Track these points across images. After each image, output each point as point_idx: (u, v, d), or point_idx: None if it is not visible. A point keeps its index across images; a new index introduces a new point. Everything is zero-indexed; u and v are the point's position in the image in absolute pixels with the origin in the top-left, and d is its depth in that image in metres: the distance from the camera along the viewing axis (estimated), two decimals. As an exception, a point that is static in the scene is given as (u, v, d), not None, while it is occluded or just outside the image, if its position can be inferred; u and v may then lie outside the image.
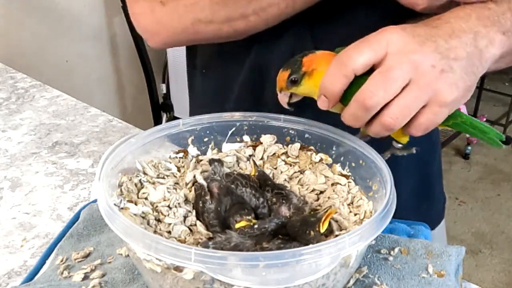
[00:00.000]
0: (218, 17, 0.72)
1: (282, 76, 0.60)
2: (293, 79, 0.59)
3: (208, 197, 0.61)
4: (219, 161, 0.68)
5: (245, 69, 0.82)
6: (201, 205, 0.61)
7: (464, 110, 2.82)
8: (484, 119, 3.03)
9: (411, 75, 0.52)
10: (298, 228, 0.55)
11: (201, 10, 0.72)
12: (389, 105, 0.53)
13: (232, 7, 0.71)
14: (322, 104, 0.57)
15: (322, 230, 0.54)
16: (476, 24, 0.56)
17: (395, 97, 0.53)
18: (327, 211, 0.56)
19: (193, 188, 0.65)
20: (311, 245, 0.48)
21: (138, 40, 2.30)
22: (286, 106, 0.63)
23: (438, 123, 0.55)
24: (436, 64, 0.53)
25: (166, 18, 0.75)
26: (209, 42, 0.79)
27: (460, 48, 0.54)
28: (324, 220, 0.55)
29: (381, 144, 0.64)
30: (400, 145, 0.62)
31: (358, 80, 0.54)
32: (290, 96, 0.62)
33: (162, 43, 0.79)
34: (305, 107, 0.78)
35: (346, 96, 0.55)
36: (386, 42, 0.53)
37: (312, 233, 0.54)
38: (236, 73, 0.84)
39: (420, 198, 0.91)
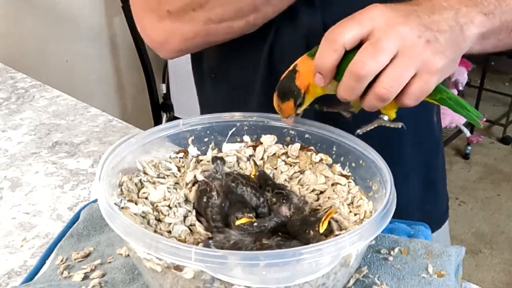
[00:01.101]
0: (229, 12, 0.72)
1: (288, 106, 0.63)
2: (299, 104, 0.63)
3: (214, 193, 0.61)
4: (222, 159, 0.68)
5: (261, 69, 0.82)
6: (205, 200, 0.61)
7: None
8: (484, 119, 3.03)
9: (399, 45, 0.54)
10: (298, 228, 0.55)
11: (212, 9, 0.72)
12: (382, 75, 0.55)
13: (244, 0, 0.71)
14: (319, 81, 0.59)
15: (321, 230, 0.54)
16: (457, 3, 0.59)
17: (386, 68, 0.54)
18: (327, 211, 0.56)
19: (193, 188, 0.65)
20: (311, 244, 0.48)
21: (138, 40, 2.30)
22: (291, 126, 0.70)
23: (429, 91, 0.57)
24: (421, 35, 0.55)
25: (175, 25, 0.75)
26: (220, 43, 0.79)
27: (443, 22, 0.57)
28: (324, 220, 0.55)
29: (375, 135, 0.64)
30: (387, 118, 0.62)
31: (348, 56, 0.56)
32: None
33: (174, 51, 0.79)
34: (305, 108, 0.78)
35: (339, 72, 0.57)
36: (371, 18, 0.56)
37: (311, 232, 0.54)
38: (250, 75, 0.84)
39: (423, 197, 0.91)
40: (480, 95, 3.07)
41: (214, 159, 0.68)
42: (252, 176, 0.66)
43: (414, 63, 0.54)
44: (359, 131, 0.64)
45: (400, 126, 0.63)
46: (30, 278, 0.66)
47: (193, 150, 0.72)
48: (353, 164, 0.67)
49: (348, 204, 0.64)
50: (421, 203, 0.90)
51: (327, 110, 0.68)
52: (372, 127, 0.64)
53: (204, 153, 0.72)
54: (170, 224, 0.60)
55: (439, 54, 0.55)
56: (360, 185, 0.66)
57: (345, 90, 0.57)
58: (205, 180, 0.64)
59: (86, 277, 0.63)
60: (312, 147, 0.71)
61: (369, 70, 0.54)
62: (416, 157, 0.86)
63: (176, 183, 0.67)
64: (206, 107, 0.97)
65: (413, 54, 0.54)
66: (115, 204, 0.57)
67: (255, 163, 0.69)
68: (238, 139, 0.73)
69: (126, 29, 2.31)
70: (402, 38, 0.54)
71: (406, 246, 0.67)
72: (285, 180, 0.69)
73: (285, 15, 0.75)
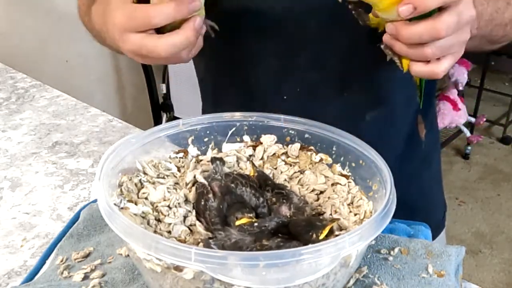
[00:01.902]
0: (97, 39, 0.86)
1: None
2: None
3: (210, 195, 0.61)
4: (221, 160, 0.68)
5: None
6: (203, 203, 0.61)
7: (464, 109, 2.82)
8: (484, 119, 3.03)
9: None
10: (301, 228, 0.55)
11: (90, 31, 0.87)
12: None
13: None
14: (406, 12, 0.55)
15: (321, 237, 0.55)
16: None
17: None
18: (334, 221, 0.57)
19: (193, 188, 0.65)
20: (311, 245, 0.48)
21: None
22: None
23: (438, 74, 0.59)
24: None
25: None
26: None
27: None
28: (326, 228, 0.55)
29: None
30: (397, 60, 0.63)
31: None
32: None
33: None
34: (305, 106, 0.78)
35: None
36: None
37: (314, 236, 0.54)
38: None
39: (414, 206, 0.89)
40: (480, 95, 3.06)
41: (213, 159, 0.68)
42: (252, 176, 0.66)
43: (458, 46, 0.58)
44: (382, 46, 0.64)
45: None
46: (30, 278, 0.66)
47: (193, 150, 0.72)
48: (353, 164, 0.67)
49: (348, 204, 0.64)
50: (412, 211, 0.88)
51: (352, 6, 0.64)
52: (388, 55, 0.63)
53: (204, 153, 0.72)
54: (170, 224, 0.60)
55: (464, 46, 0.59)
56: (360, 185, 0.66)
57: (413, 34, 0.56)
58: (201, 182, 0.64)
59: (86, 277, 0.63)
60: (312, 147, 0.71)
61: (446, 35, 0.55)
62: (402, 165, 0.85)
63: (176, 183, 0.67)
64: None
65: (463, 41, 0.58)
66: (114, 204, 0.57)
67: (253, 164, 0.69)
68: (238, 139, 0.73)
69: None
70: (469, 17, 0.57)
71: (406, 246, 0.66)
72: (285, 180, 0.69)
73: None
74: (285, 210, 0.61)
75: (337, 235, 0.56)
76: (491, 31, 0.70)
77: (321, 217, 0.62)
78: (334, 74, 0.78)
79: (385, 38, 0.61)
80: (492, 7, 0.68)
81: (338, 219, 0.60)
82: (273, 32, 0.77)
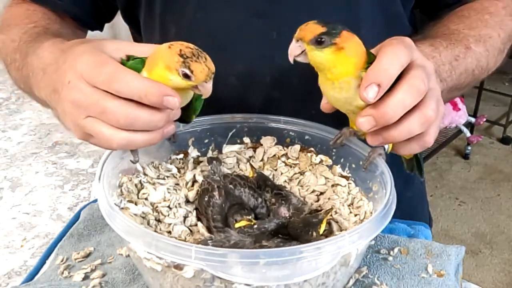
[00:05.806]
0: None
1: (314, 29, 0.52)
2: (320, 39, 0.52)
3: (216, 193, 0.61)
4: (217, 160, 0.68)
5: None
6: (206, 199, 0.61)
7: (464, 109, 2.82)
8: (484, 119, 3.03)
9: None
10: (300, 229, 0.56)
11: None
12: (425, 99, 0.53)
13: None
14: (372, 93, 0.51)
15: (321, 232, 0.55)
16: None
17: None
18: (328, 213, 0.56)
19: (193, 188, 0.65)
20: (311, 243, 0.48)
21: (138, 40, 2.30)
22: (291, 59, 0.55)
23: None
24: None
25: None
26: None
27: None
28: (323, 221, 0.56)
29: None
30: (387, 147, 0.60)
31: None
32: (301, 53, 0.55)
33: None
34: (304, 107, 0.78)
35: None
36: (413, 48, 0.55)
37: (314, 234, 0.55)
38: None
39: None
40: (480, 95, 3.06)
41: (210, 160, 0.68)
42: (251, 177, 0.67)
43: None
44: (363, 165, 0.63)
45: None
46: (30, 278, 0.66)
47: (193, 152, 0.72)
48: (353, 166, 0.67)
49: (348, 205, 0.64)
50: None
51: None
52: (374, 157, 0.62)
53: (204, 154, 0.72)
54: (170, 224, 0.60)
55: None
56: (360, 186, 0.66)
57: (397, 104, 0.51)
58: (207, 180, 0.64)
59: (86, 277, 0.63)
60: (312, 148, 0.71)
61: (426, 89, 0.52)
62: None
63: (176, 184, 0.67)
64: None
65: (435, 86, 0.56)
66: (115, 204, 0.58)
67: (252, 166, 0.69)
68: (238, 141, 0.73)
69: (126, 28, 2.30)
70: (431, 67, 0.56)
71: (405, 246, 0.67)
72: (285, 181, 0.69)
73: None
74: (284, 211, 0.61)
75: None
76: (458, 79, 0.68)
77: (315, 214, 0.62)
78: (297, 92, 0.75)
79: (369, 139, 0.56)
80: (449, 56, 0.66)
81: (331, 208, 0.60)
82: (230, 50, 0.74)
